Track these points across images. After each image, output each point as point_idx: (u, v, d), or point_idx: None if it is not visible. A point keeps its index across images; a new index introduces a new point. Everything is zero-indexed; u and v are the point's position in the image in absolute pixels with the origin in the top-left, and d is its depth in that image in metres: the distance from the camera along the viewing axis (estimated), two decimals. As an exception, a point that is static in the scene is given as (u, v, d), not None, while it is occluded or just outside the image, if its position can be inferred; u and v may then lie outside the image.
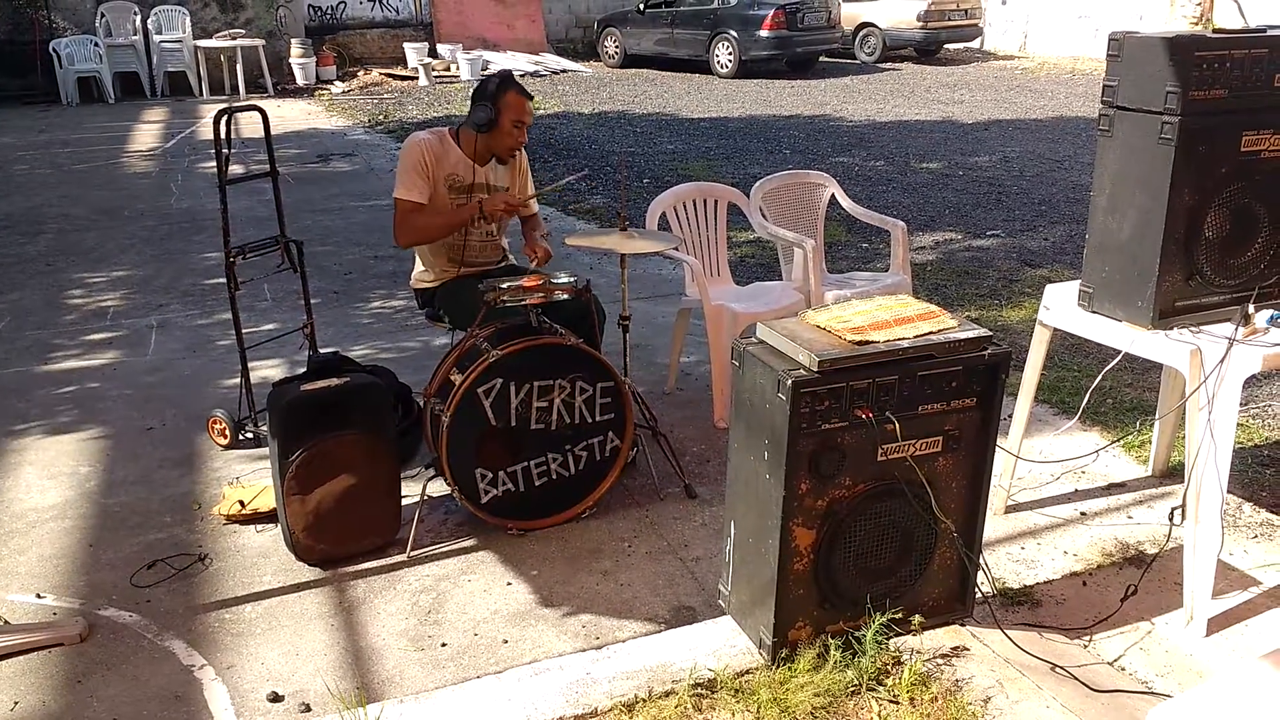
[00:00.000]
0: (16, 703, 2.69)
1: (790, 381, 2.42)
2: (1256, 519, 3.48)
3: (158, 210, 8.24)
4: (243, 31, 15.30)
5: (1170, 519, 2.89)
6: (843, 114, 12.85)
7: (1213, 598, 2.88)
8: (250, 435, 4.10)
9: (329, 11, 17.35)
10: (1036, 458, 3.81)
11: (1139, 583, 2.99)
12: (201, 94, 14.73)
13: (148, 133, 11.98)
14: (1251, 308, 2.85)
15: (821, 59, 17.97)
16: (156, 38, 14.72)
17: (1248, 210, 2.86)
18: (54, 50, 14.03)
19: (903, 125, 11.98)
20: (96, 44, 14.41)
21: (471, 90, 3.95)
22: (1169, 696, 2.61)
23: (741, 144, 10.89)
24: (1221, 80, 2.70)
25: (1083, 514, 3.53)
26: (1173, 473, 3.74)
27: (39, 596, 3.15)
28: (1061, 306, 3.16)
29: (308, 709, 2.66)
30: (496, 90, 3.77)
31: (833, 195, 4.80)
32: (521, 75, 16.17)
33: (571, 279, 3.53)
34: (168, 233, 7.55)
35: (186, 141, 11.32)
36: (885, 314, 2.65)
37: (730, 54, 16.63)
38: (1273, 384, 4.58)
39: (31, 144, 11.26)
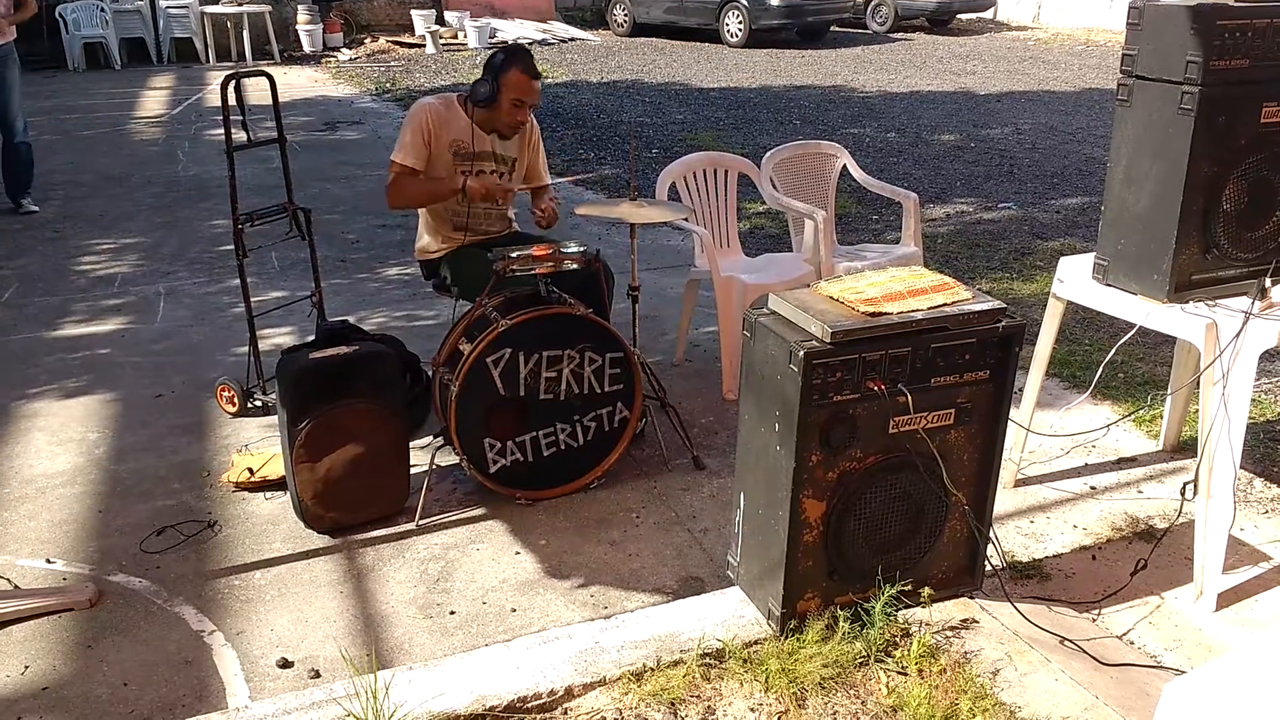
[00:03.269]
0: (27, 666, 2.70)
1: (802, 353, 2.40)
2: (1268, 494, 3.46)
3: (165, 177, 8.22)
4: (249, -3, 15.19)
5: (1182, 494, 2.88)
6: (854, 84, 12.74)
7: (1223, 572, 2.87)
8: (259, 403, 4.10)
9: (336, -23, 17.21)
10: (1047, 431, 3.79)
11: (1149, 557, 2.98)
12: (208, 60, 14.64)
13: (154, 99, 11.93)
14: (1268, 281, 2.82)
15: (833, 28, 17.81)
16: (163, 3, 14.58)
17: (1266, 183, 2.83)
18: (60, 15, 13.91)
19: (915, 96, 11.88)
20: (103, 9, 14.27)
21: (485, 59, 3.92)
22: (1178, 670, 2.61)
23: (752, 114, 10.80)
24: (1243, 50, 2.66)
25: (1093, 488, 3.52)
26: (1184, 448, 3.72)
27: (49, 562, 3.17)
28: (1076, 279, 3.13)
29: (317, 675, 2.68)
30: (501, 65, 3.73)
31: (844, 166, 4.75)
32: (530, 44, 16.07)
33: (581, 248, 3.51)
34: (175, 200, 7.53)
35: (193, 108, 11.26)
36: (899, 285, 2.63)
37: (740, 23, 16.47)
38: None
39: (38, 110, 11.18)
